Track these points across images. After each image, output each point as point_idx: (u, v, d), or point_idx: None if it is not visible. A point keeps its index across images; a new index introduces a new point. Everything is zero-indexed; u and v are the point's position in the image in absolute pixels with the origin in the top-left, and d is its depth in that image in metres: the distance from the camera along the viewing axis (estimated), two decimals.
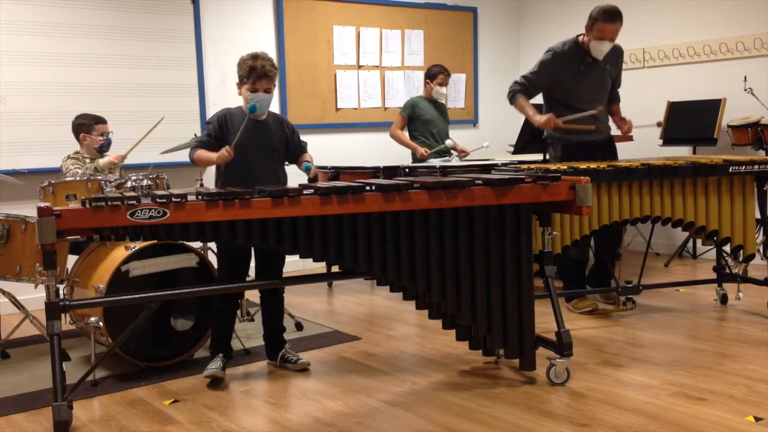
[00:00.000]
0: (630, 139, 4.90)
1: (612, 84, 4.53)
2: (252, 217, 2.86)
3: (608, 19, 4.19)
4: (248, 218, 2.86)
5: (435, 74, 5.58)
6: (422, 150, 5.43)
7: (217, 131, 3.49)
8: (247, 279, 3.62)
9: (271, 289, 3.72)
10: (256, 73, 3.43)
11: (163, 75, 5.47)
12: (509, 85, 4.48)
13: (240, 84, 3.52)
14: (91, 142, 4.36)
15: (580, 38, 4.39)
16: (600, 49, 4.29)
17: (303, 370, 3.63)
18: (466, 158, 5.66)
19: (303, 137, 3.72)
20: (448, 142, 5.52)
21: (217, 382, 3.43)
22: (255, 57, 3.47)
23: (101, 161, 4.29)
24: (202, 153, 3.46)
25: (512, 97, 4.45)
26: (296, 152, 3.68)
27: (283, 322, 3.78)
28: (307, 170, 3.61)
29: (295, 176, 3.82)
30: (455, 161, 5.38)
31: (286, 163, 3.71)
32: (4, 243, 3.80)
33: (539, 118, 4.30)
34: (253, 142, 3.48)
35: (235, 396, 3.33)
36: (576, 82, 4.37)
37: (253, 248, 3.52)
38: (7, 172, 4.41)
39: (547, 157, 4.75)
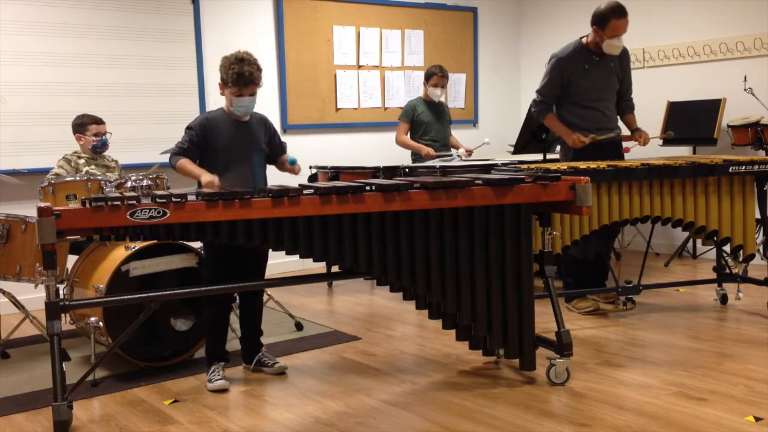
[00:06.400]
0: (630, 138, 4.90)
1: (620, 85, 4.54)
2: (252, 217, 2.86)
3: (620, 15, 4.26)
4: (248, 218, 2.86)
5: (429, 75, 5.55)
6: (427, 149, 5.40)
7: (200, 138, 3.38)
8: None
9: (251, 291, 3.62)
10: (243, 80, 3.34)
11: (163, 75, 5.47)
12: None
13: (223, 85, 3.42)
14: (86, 143, 4.37)
15: (584, 39, 4.42)
16: (616, 45, 4.35)
17: (280, 373, 3.58)
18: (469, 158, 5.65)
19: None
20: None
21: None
22: (241, 61, 3.35)
23: None
24: (188, 164, 3.33)
25: (540, 116, 4.58)
26: (276, 153, 3.64)
27: (261, 325, 3.69)
28: (292, 163, 3.60)
29: (279, 177, 3.77)
30: (456, 161, 5.37)
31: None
32: (4, 243, 3.80)
33: (569, 140, 4.40)
34: (239, 144, 3.43)
35: (235, 396, 3.33)
36: (582, 81, 4.41)
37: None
38: (7, 172, 4.41)
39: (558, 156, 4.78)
